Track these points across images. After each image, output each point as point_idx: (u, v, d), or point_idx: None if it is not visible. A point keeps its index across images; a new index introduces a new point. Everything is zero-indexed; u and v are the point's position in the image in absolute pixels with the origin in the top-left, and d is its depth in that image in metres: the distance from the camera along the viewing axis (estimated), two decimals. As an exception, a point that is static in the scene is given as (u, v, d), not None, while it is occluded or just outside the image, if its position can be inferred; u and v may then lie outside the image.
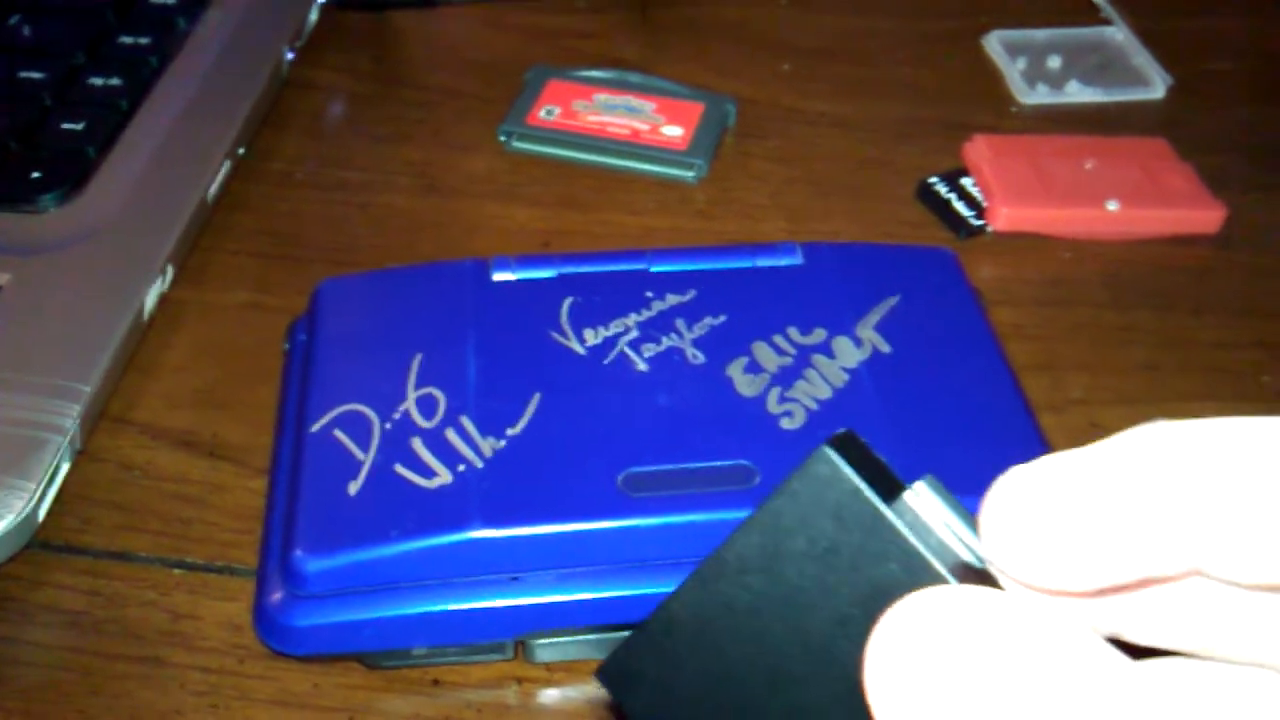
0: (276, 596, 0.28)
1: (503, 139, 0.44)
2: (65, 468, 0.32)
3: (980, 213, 0.42)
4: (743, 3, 0.52)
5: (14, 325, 0.33)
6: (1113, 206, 0.41)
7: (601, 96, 0.45)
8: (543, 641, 0.29)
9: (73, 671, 0.29)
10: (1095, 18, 0.51)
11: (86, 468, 0.33)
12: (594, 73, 0.46)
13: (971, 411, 0.30)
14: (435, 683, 0.29)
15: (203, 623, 0.30)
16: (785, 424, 0.30)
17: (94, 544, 0.32)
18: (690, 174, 0.43)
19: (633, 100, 0.45)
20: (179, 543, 0.32)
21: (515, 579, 0.28)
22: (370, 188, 0.43)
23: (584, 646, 0.29)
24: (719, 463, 0.29)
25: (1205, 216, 0.42)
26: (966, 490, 0.28)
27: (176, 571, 0.31)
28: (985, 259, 0.41)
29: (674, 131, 0.44)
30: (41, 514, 0.31)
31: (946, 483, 0.19)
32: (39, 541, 0.31)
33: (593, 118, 0.44)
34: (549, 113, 0.44)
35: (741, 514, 0.27)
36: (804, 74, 0.48)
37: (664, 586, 0.28)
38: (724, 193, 0.43)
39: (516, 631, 0.28)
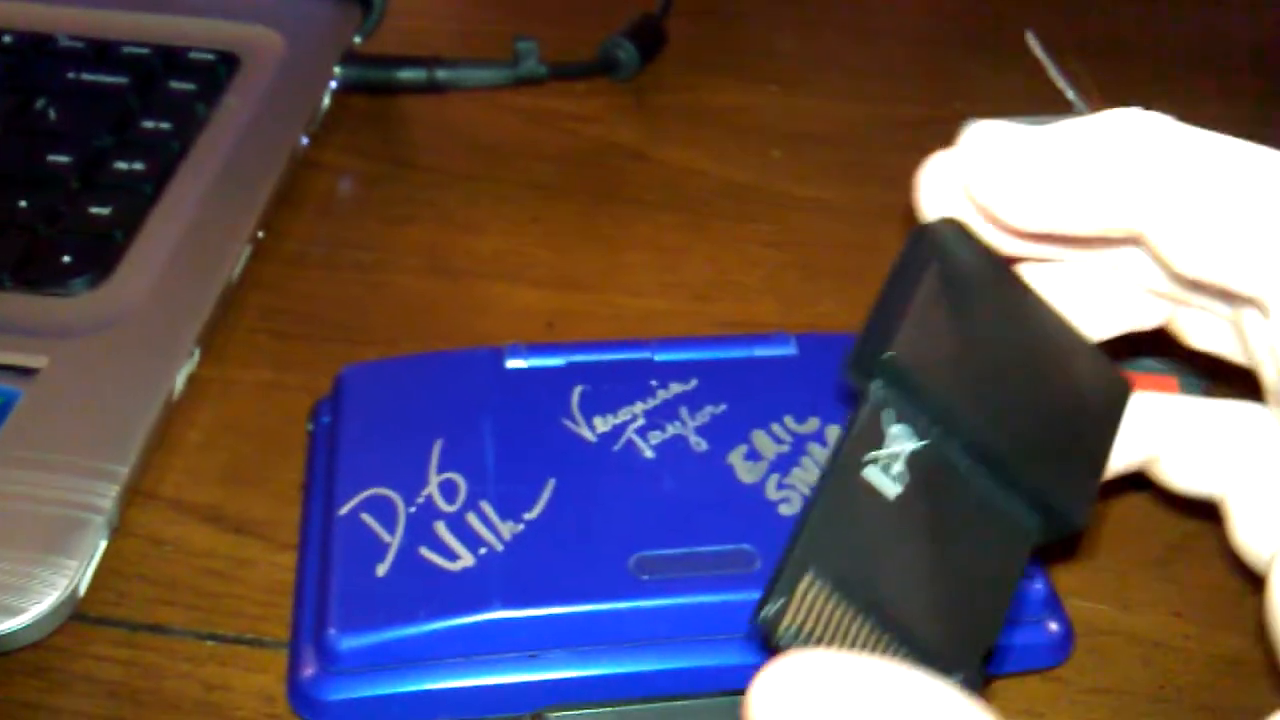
0: (310, 671, 0.30)
1: None
2: (103, 545, 0.33)
3: (959, 298, 0.44)
4: (734, 89, 0.55)
5: (54, 408, 0.35)
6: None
7: None
8: (558, 715, 0.31)
9: (112, 741, 0.31)
10: (1064, 105, 0.54)
11: (119, 542, 0.35)
12: None
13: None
14: (456, 752, 0.31)
15: (234, 694, 0.32)
16: (783, 510, 0.32)
17: (130, 616, 0.34)
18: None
19: None
20: (210, 616, 0.34)
21: (533, 656, 0.30)
22: (381, 267, 0.45)
23: None
24: (722, 547, 0.31)
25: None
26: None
27: (209, 643, 0.33)
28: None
29: None
30: (83, 590, 0.32)
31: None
32: (77, 613, 0.33)
33: None
34: None
35: (744, 596, 0.30)
36: (793, 159, 0.51)
37: (672, 663, 0.30)
38: (720, 275, 0.45)
39: (534, 705, 0.30)
